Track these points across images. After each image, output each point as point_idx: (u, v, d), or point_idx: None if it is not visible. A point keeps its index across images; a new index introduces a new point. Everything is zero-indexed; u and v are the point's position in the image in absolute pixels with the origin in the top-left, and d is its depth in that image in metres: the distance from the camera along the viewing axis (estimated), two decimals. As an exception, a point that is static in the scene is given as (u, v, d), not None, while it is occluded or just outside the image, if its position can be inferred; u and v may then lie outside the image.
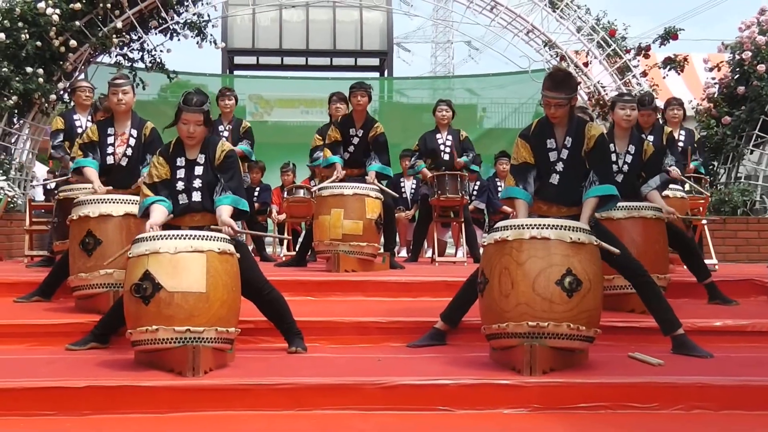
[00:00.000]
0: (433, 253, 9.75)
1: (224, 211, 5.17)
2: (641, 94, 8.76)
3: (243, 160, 9.06)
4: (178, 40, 13.28)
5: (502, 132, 19.51)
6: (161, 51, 13.32)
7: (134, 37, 13.02)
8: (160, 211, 5.20)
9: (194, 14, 13.22)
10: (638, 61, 13.74)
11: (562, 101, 5.19)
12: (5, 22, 11.23)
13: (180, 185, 5.31)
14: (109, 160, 6.70)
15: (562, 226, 4.80)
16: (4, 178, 10.84)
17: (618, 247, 5.24)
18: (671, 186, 7.42)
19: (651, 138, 7.34)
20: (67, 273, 6.35)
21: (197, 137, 5.29)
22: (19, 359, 5.14)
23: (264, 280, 5.37)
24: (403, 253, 11.05)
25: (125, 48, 13.10)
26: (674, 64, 13.67)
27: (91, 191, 6.57)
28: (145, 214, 5.26)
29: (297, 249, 9.25)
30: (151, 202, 5.24)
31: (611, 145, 6.40)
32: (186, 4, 13.09)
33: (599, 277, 4.88)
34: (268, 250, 10.63)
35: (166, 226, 5.21)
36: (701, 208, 8.84)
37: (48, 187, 11.82)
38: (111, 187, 6.59)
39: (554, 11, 13.76)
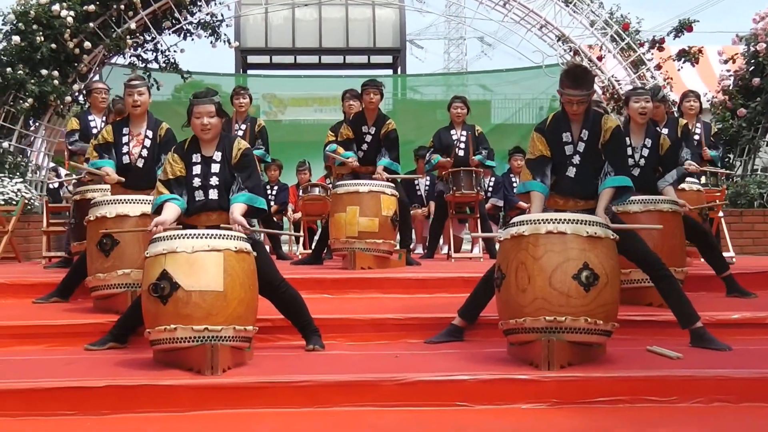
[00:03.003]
0: (449, 249, 9.74)
1: (236, 209, 5.15)
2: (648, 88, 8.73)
3: (259, 162, 9.08)
4: (192, 40, 13.30)
5: (515, 127, 19.50)
6: (175, 51, 13.33)
7: (148, 38, 13.03)
8: (170, 210, 5.17)
9: (207, 14, 13.22)
10: (652, 54, 13.68)
11: (584, 98, 5.19)
12: (20, 24, 11.29)
13: (197, 182, 5.27)
14: (125, 160, 6.70)
15: (578, 220, 4.79)
16: (21, 180, 10.89)
17: (635, 240, 5.24)
18: (687, 179, 7.39)
19: (666, 131, 7.32)
20: (84, 273, 6.37)
21: (213, 129, 5.26)
22: (38, 360, 5.17)
23: (281, 278, 5.37)
24: (419, 249, 11.05)
25: (139, 49, 13.11)
26: (689, 56, 13.60)
27: (104, 178, 6.63)
28: (158, 211, 5.25)
29: (313, 247, 9.27)
30: (164, 200, 5.22)
31: (627, 139, 6.39)
32: (199, 4, 13.10)
33: (616, 271, 4.86)
34: (284, 248, 10.66)
35: (182, 224, 5.21)
36: (717, 201, 8.80)
37: (52, 186, 11.91)
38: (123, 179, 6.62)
39: (567, 6, 13.72)
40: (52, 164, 13.06)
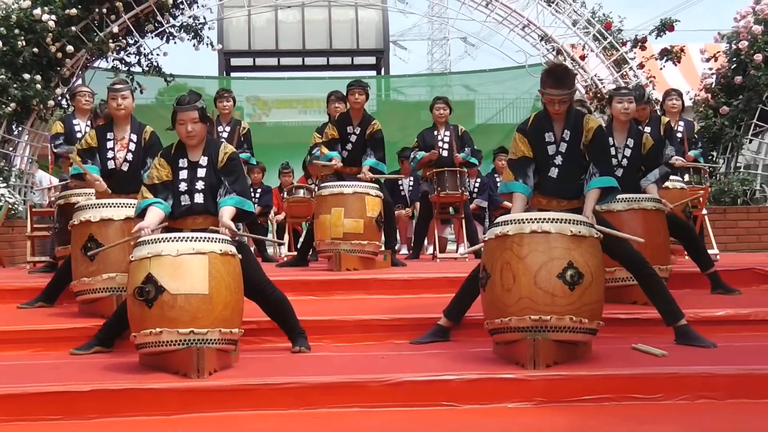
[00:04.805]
0: (435, 249, 9.76)
1: (226, 213, 5.16)
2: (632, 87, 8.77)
3: (244, 165, 9.07)
4: (174, 43, 13.31)
5: (499, 127, 19.53)
6: (158, 54, 13.35)
7: (130, 42, 13.03)
8: (154, 214, 5.18)
9: (190, 17, 13.23)
10: (635, 53, 13.75)
11: (566, 97, 5.20)
12: (1, 29, 11.24)
13: (183, 186, 5.28)
14: (110, 165, 6.67)
15: (562, 219, 4.80)
16: (5, 185, 10.85)
17: (619, 239, 5.25)
18: (671, 177, 7.42)
19: (648, 129, 7.35)
20: (69, 278, 6.35)
21: (197, 135, 5.27)
22: (24, 365, 5.15)
23: (266, 280, 5.37)
24: (404, 250, 11.06)
25: (122, 52, 13.11)
26: (671, 55, 13.67)
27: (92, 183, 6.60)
28: (141, 214, 5.24)
29: (298, 249, 9.27)
30: (148, 203, 5.22)
31: (610, 139, 6.41)
32: (182, 7, 13.10)
33: (601, 270, 4.88)
34: (270, 250, 10.64)
35: (168, 228, 5.22)
36: (701, 199, 8.84)
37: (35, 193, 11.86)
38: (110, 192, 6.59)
39: (549, 5, 13.77)
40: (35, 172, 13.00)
